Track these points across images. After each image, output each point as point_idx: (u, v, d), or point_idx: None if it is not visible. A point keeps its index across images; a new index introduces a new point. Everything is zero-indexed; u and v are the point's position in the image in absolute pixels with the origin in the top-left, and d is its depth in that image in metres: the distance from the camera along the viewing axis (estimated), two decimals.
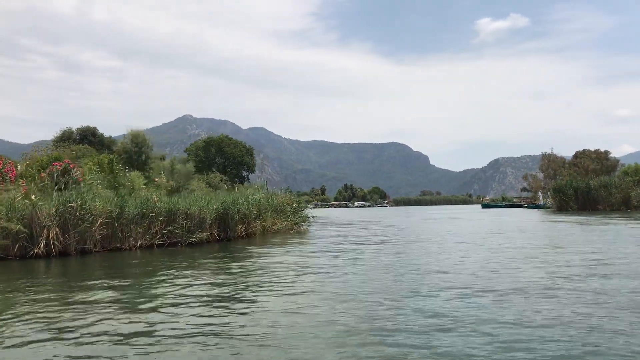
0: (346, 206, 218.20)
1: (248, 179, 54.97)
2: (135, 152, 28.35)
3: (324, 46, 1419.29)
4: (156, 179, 29.09)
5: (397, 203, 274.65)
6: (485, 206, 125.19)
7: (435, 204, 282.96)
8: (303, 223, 32.31)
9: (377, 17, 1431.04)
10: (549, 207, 79.21)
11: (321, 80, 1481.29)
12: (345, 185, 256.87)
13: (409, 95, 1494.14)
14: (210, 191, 35.64)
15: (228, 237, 22.46)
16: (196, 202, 21.16)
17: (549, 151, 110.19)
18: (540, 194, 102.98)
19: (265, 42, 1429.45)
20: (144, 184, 28.09)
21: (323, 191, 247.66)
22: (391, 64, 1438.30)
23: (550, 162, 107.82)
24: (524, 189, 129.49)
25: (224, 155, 56.47)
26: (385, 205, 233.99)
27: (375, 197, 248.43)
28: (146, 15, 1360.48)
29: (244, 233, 23.53)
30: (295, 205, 31.71)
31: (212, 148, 57.20)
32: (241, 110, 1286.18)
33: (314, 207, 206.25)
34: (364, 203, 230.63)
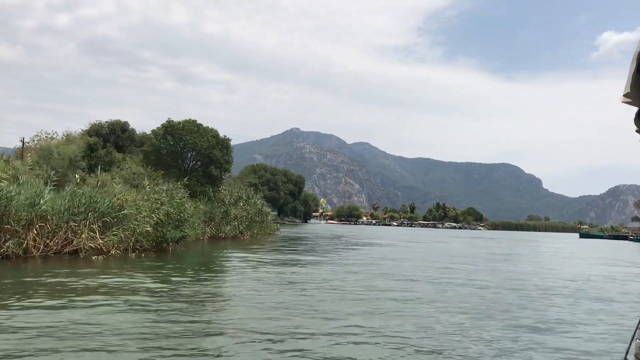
0: (434, 226, 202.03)
1: (221, 180, 44.01)
2: None
3: (429, 62, 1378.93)
4: None
5: (496, 226, 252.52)
6: (583, 236, 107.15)
7: (539, 230, 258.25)
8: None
9: (485, 32, 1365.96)
10: None
11: (427, 96, 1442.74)
12: (437, 204, 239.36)
13: (521, 114, 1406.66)
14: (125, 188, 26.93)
15: None
16: None
17: None
18: None
19: (370, 57, 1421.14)
20: None
21: (412, 209, 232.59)
22: (501, 81, 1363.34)
23: None
24: (635, 219, 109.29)
25: (187, 145, 43.45)
26: (480, 227, 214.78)
27: (469, 218, 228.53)
28: (255, 30, 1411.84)
29: None
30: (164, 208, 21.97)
31: (168, 136, 43.67)
32: (346, 124, 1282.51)
33: (398, 225, 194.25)
34: (454, 224, 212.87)
